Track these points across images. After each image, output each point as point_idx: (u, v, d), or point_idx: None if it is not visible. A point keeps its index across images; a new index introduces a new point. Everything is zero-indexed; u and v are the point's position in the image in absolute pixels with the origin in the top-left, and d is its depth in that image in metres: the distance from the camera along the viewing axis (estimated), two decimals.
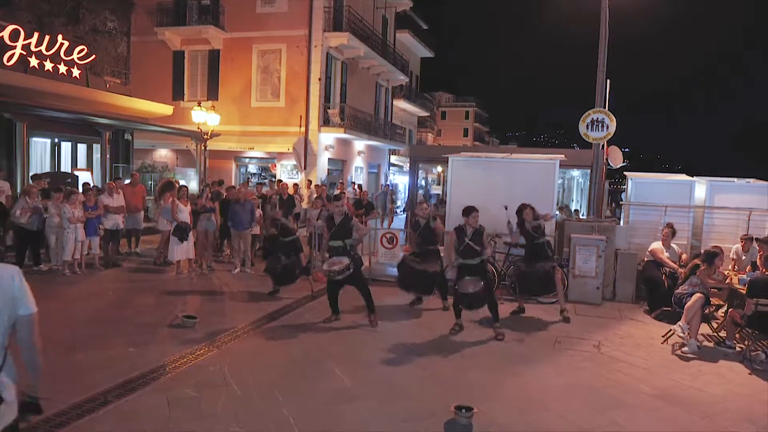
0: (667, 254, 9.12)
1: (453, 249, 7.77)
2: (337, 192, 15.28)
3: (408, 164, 21.95)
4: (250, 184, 19.26)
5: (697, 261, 7.60)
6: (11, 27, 13.48)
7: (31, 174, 12.43)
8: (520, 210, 8.58)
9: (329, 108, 21.25)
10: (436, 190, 32.34)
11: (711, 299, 7.52)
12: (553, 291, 8.67)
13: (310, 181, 18.53)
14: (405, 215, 21.13)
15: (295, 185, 16.31)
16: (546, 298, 9.01)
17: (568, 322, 8.30)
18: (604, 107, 10.82)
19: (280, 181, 17.46)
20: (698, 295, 7.13)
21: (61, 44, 14.90)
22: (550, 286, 8.54)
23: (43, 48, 14.33)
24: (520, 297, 8.80)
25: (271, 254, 9.86)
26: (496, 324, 7.44)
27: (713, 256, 7.39)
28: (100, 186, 13.10)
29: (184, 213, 10.54)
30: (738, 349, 7.08)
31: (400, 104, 33.24)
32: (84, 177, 14.75)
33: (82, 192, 11.05)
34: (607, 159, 12.13)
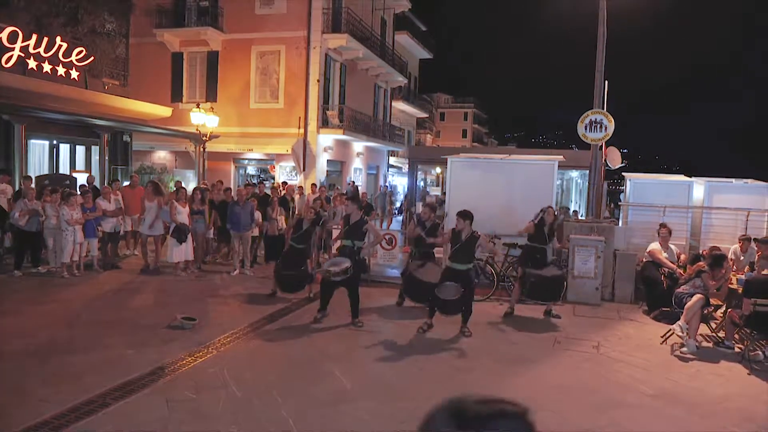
0: (665, 255, 9.13)
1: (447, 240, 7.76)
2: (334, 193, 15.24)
3: (407, 165, 21.95)
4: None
5: (702, 264, 7.54)
6: (9, 28, 13.46)
7: (24, 176, 12.39)
8: (545, 210, 8.66)
9: (328, 109, 21.23)
10: (435, 191, 32.34)
11: (710, 300, 7.52)
12: (559, 298, 8.64)
13: (300, 188, 17.90)
14: (402, 216, 21.15)
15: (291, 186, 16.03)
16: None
17: (559, 317, 8.33)
18: (603, 108, 10.84)
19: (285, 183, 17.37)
20: (699, 295, 7.13)
21: (60, 46, 14.88)
22: (557, 294, 8.52)
23: (41, 50, 14.31)
24: (514, 300, 8.77)
25: (280, 258, 9.74)
26: (464, 326, 7.42)
27: (720, 259, 7.36)
28: (98, 187, 13.03)
29: (183, 214, 10.53)
30: (737, 349, 7.09)
31: (399, 105, 33.25)
32: (82, 179, 14.71)
33: (80, 194, 11.02)
34: (605, 160, 12.15)
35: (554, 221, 8.64)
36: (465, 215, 7.43)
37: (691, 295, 7.22)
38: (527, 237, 8.81)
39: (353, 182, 21.18)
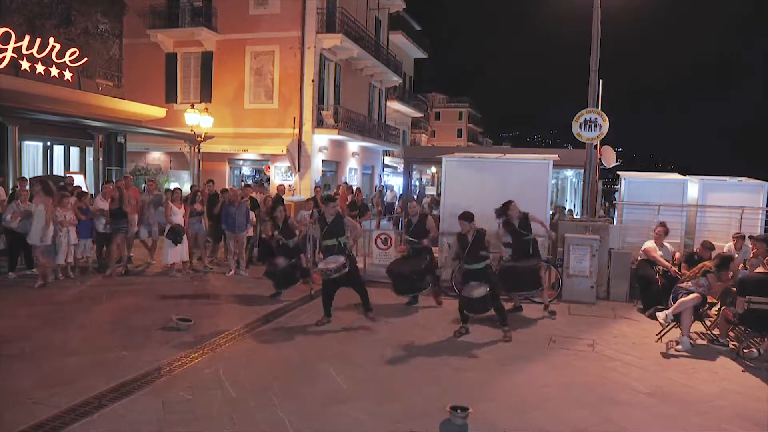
0: (660, 253, 9.16)
1: (453, 254, 7.73)
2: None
3: (402, 165, 21.94)
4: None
5: (708, 264, 7.53)
6: (2, 30, 13.42)
7: (19, 177, 12.36)
8: (506, 207, 8.58)
9: (323, 109, 21.23)
10: (430, 190, 32.36)
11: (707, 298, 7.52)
12: (539, 287, 8.64)
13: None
14: (392, 216, 21.11)
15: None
16: (540, 297, 9.01)
17: (554, 315, 8.40)
18: (597, 107, 10.86)
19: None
20: (696, 294, 7.14)
21: (53, 47, 14.83)
22: (536, 282, 8.52)
23: (34, 51, 14.26)
24: (512, 295, 8.82)
25: (270, 256, 9.78)
26: (505, 327, 7.39)
27: (728, 261, 7.35)
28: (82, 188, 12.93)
29: (178, 216, 10.50)
30: (731, 346, 7.12)
31: (394, 105, 33.25)
32: (77, 180, 14.66)
33: (76, 195, 10.96)
34: (600, 159, 12.17)
35: (517, 213, 8.60)
36: (467, 217, 7.40)
37: (689, 293, 7.22)
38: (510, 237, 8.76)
39: (338, 187, 21.13)
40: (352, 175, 25.62)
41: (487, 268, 7.43)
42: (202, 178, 18.29)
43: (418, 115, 41.31)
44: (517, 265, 8.36)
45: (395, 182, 32.85)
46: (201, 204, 11.33)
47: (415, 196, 20.97)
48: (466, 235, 7.37)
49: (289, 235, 9.21)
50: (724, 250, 9.27)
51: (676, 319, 7.13)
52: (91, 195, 11.83)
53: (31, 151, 15.74)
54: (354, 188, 18.15)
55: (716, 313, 7.78)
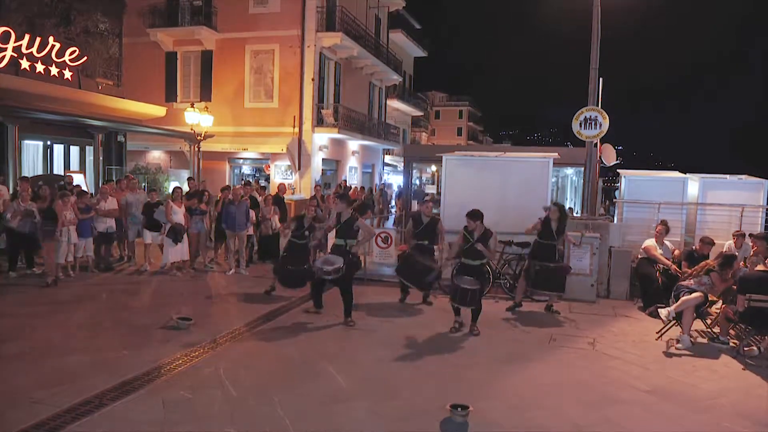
0: (660, 251, 9.16)
1: (456, 248, 7.77)
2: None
3: (402, 164, 21.93)
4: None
5: (711, 263, 7.53)
6: (2, 29, 13.40)
7: (20, 177, 12.36)
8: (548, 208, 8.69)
9: (323, 108, 21.22)
10: (430, 189, 32.33)
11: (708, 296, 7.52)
12: (562, 291, 8.66)
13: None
14: (393, 215, 21.13)
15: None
16: (540, 295, 9.00)
17: (559, 313, 8.46)
18: (598, 105, 10.85)
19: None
20: (699, 294, 7.14)
21: (53, 46, 14.81)
22: (562, 286, 8.56)
23: (34, 50, 14.24)
24: (519, 293, 8.82)
25: (276, 256, 9.71)
26: (473, 325, 7.46)
27: (731, 260, 7.36)
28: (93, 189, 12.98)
29: (179, 215, 10.50)
30: (731, 344, 7.12)
31: (394, 104, 33.22)
32: (77, 179, 14.66)
33: (76, 194, 10.95)
34: (600, 157, 12.16)
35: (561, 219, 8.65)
36: (475, 215, 7.46)
37: (692, 291, 7.22)
38: (537, 234, 8.75)
39: (345, 181, 21.16)
40: (352, 173, 25.61)
41: (482, 266, 7.66)
42: (203, 177, 18.30)
43: (418, 113, 41.29)
44: (551, 265, 8.36)
45: (395, 180, 32.85)
46: (206, 204, 11.33)
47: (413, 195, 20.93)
48: (473, 231, 7.49)
49: (302, 236, 8.99)
50: (725, 249, 9.27)
51: (678, 317, 7.13)
52: (91, 194, 11.82)
53: (31, 151, 15.73)
54: (365, 189, 18.24)
55: (717, 311, 7.78)
